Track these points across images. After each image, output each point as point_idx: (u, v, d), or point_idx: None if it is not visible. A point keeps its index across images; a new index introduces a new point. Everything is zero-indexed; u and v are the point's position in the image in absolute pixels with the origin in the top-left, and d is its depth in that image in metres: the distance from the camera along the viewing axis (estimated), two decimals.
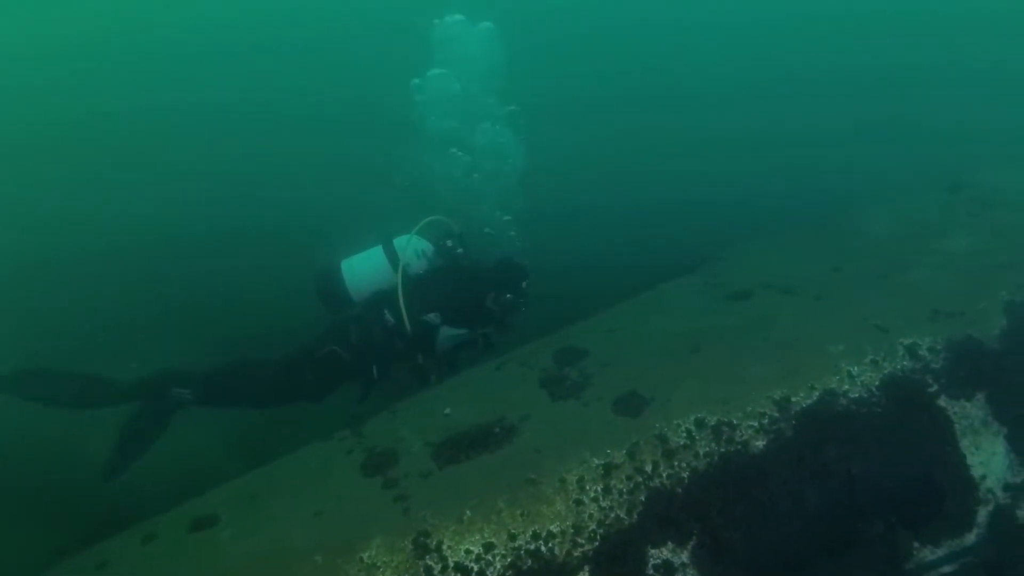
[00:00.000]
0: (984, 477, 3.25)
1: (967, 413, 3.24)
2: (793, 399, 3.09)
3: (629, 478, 2.87)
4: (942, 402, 3.21)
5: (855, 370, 3.18)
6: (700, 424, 3.01)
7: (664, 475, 2.89)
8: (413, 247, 4.75)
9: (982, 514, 3.22)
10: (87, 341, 7.19)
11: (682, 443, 2.96)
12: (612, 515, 2.79)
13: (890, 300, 3.47)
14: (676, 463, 2.92)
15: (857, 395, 3.14)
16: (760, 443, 2.99)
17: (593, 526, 2.76)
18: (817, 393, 3.11)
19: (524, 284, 4.90)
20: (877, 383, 3.17)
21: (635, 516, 2.80)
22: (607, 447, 2.94)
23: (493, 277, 4.91)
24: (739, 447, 2.97)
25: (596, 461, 2.90)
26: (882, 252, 3.89)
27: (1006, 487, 3.29)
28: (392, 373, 4.71)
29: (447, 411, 3.43)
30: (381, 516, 2.81)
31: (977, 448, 3.24)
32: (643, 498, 2.84)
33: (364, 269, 4.79)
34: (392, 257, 4.72)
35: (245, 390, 4.78)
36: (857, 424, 3.08)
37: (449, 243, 4.82)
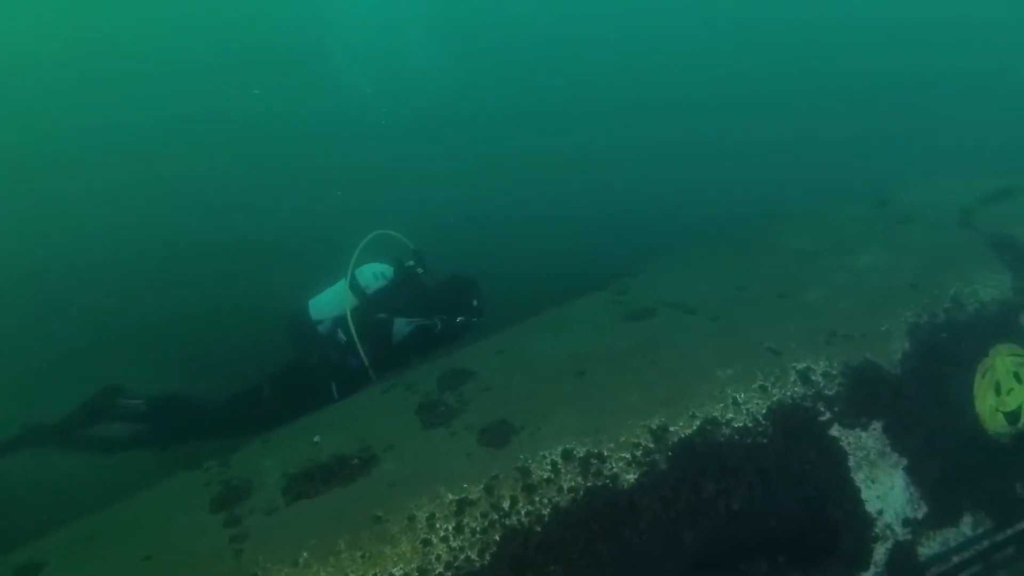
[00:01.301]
0: (881, 512, 3.03)
1: (862, 443, 3.03)
2: (671, 428, 2.87)
3: (484, 515, 2.64)
4: (835, 431, 3.00)
5: (741, 396, 2.97)
6: (567, 456, 2.79)
7: (522, 512, 2.66)
8: (371, 269, 4.92)
9: (880, 551, 3.01)
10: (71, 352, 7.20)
11: (545, 477, 2.74)
12: (462, 556, 2.56)
13: (788, 321, 3.26)
14: (537, 499, 2.69)
15: (742, 424, 2.92)
16: (631, 477, 2.77)
17: (440, 568, 2.53)
18: (698, 422, 2.90)
19: (475, 302, 4.89)
20: (764, 411, 2.96)
21: (487, 557, 2.58)
22: (464, 481, 2.72)
23: (443, 297, 4.92)
24: (607, 481, 2.75)
25: (450, 496, 2.68)
26: (788, 269, 3.69)
27: (905, 522, 3.08)
28: (352, 391, 4.66)
29: (316, 439, 3.21)
30: (211, 559, 2.58)
31: (873, 481, 3.03)
32: (497, 537, 2.61)
33: (327, 300, 5.01)
34: (354, 284, 4.87)
35: (197, 414, 4.84)
36: (739, 455, 2.86)
37: (409, 263, 4.94)
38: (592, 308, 3.85)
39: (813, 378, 3.05)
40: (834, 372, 3.07)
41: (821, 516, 2.94)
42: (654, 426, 2.87)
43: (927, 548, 3.14)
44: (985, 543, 3.24)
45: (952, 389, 3.22)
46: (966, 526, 3.24)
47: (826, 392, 3.03)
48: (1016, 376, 3.37)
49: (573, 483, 2.73)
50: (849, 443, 3.01)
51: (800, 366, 3.07)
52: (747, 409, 2.95)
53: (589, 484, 2.74)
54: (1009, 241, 3.59)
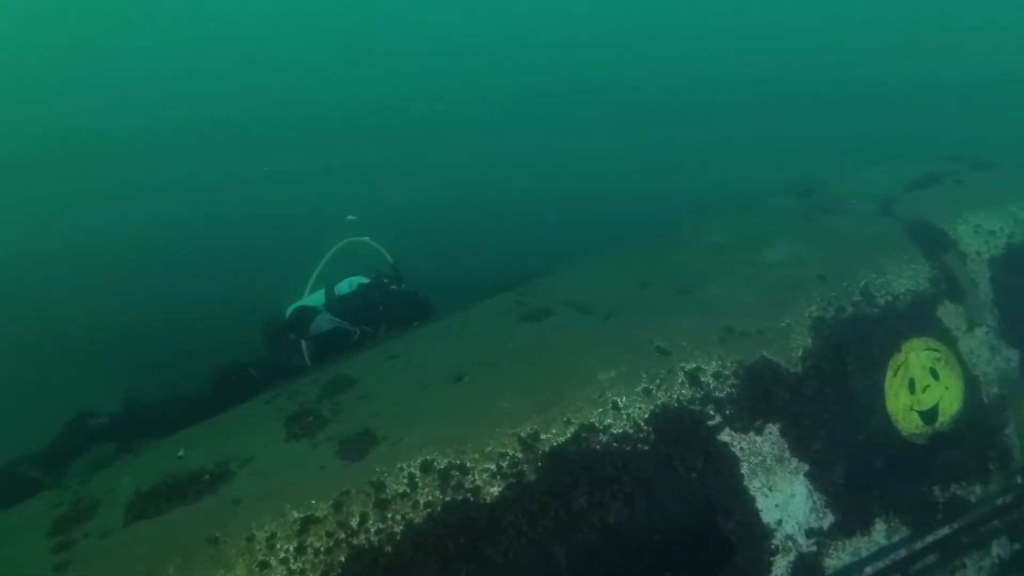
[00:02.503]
0: (781, 522, 2.80)
1: (757, 449, 2.80)
2: (543, 436, 2.65)
3: (330, 534, 2.43)
4: (725, 436, 2.77)
5: (622, 400, 2.75)
6: (427, 468, 2.57)
7: (372, 530, 2.45)
8: (349, 282, 5.01)
9: (781, 565, 2.78)
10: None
11: (401, 491, 2.52)
12: None
13: (682, 318, 3.03)
14: (389, 515, 2.48)
15: (621, 430, 2.70)
16: (495, 490, 2.55)
17: None
18: (573, 428, 2.68)
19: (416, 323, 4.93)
20: (647, 415, 2.73)
21: None
22: (312, 497, 2.51)
23: (395, 309, 4.94)
24: (468, 495, 2.53)
25: (295, 514, 2.47)
26: (696, 264, 3.46)
27: (809, 532, 2.85)
28: None
29: (180, 453, 3.01)
30: None
31: (771, 489, 2.80)
32: (343, 558, 2.40)
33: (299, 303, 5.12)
34: (330, 292, 5.03)
35: (161, 419, 4.80)
36: (616, 464, 2.63)
37: (385, 280, 5.04)
38: (493, 310, 3.63)
39: (703, 379, 2.82)
40: (726, 372, 2.85)
41: (711, 529, 2.71)
42: (524, 434, 2.65)
43: (835, 559, 2.91)
44: (902, 552, 3.00)
45: (860, 388, 2.99)
46: (879, 534, 3.01)
47: (716, 394, 2.80)
48: (932, 372, 3.14)
49: (430, 497, 2.52)
50: (742, 448, 2.78)
51: (689, 366, 2.85)
52: (628, 414, 2.73)
53: (447, 498, 2.52)
54: (928, 228, 3.37)
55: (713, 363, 2.86)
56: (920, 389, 3.10)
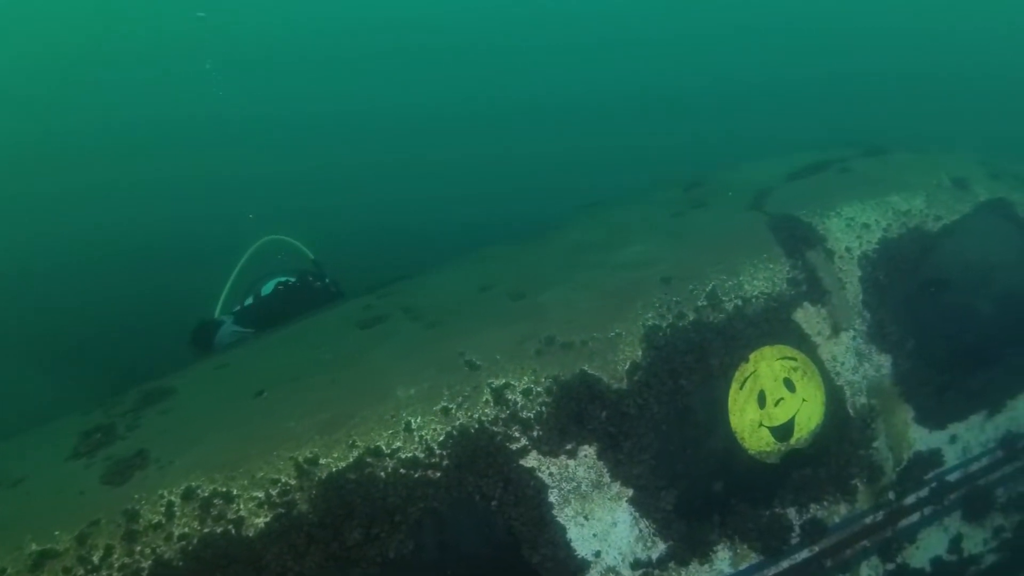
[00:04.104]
0: (599, 554, 2.55)
1: (570, 474, 2.54)
2: (322, 461, 2.41)
3: (67, 570, 2.22)
4: (531, 460, 2.51)
5: (417, 421, 2.49)
6: (189, 495, 2.34)
7: (116, 565, 2.23)
8: (275, 282, 4.83)
9: None
10: None
11: (155, 521, 2.30)
12: None
13: (505, 328, 2.76)
14: (138, 549, 2.26)
15: (411, 455, 2.45)
16: (260, 521, 2.32)
17: None
18: (357, 452, 2.43)
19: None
20: (442, 438, 2.48)
21: None
22: (57, 527, 2.29)
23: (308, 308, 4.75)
24: (229, 527, 2.30)
25: (33, 547, 2.25)
26: (545, 265, 3.18)
27: (635, 564, 2.60)
28: None
29: None
30: None
31: (587, 518, 2.54)
32: None
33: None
34: (257, 294, 4.84)
35: None
36: (400, 494, 2.39)
37: (310, 279, 4.86)
38: (339, 316, 3.38)
39: (510, 397, 2.55)
40: (538, 389, 2.58)
41: (514, 563, 2.46)
42: (302, 458, 2.41)
43: None
44: None
45: (696, 403, 2.71)
46: (723, 562, 2.74)
47: (523, 414, 2.54)
48: (787, 383, 2.84)
49: (186, 529, 2.29)
50: (551, 474, 2.52)
51: (498, 383, 2.58)
52: (421, 436, 2.47)
53: (206, 530, 2.29)
54: (793, 223, 3.04)
55: (525, 379, 2.59)
56: (772, 403, 2.81)
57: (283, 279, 4.94)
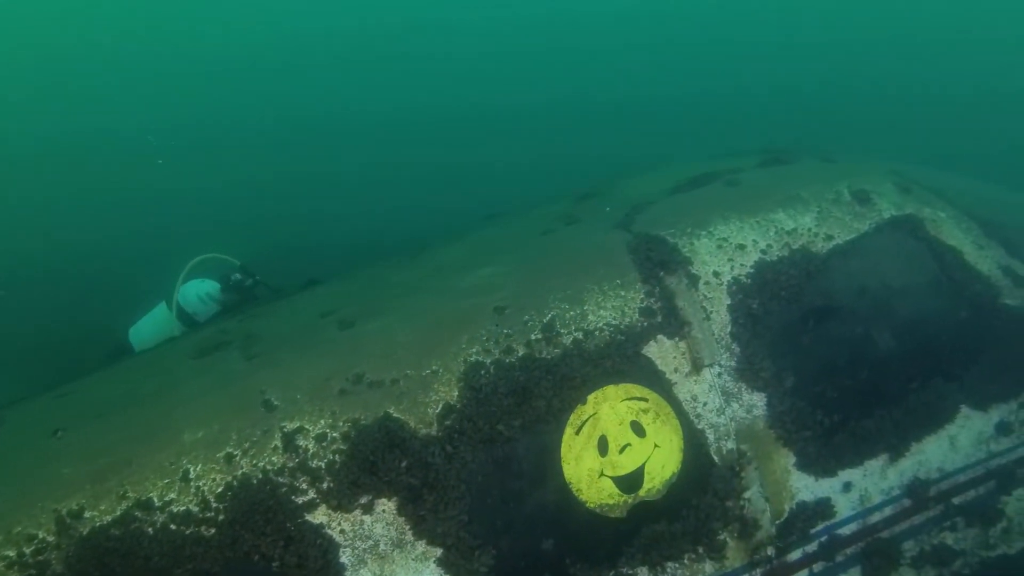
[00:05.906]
0: None
1: (366, 531, 2.28)
2: (87, 514, 2.21)
3: None
4: (320, 516, 2.26)
5: (196, 470, 2.27)
6: None
7: None
8: (195, 291, 4.75)
9: None
10: None
11: None
12: None
13: (313, 362, 2.51)
14: None
15: (184, 508, 2.22)
16: None
17: None
18: (126, 505, 2.22)
19: None
20: (220, 489, 2.25)
21: None
22: None
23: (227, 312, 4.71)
24: None
25: None
26: (392, 289, 2.91)
27: None
28: None
29: None
30: None
31: None
32: None
33: (150, 329, 4.86)
34: (178, 310, 4.72)
35: None
36: (169, 553, 2.17)
37: (236, 276, 4.75)
38: (188, 341, 3.19)
39: (301, 443, 2.31)
40: (334, 434, 2.33)
41: None
42: (66, 511, 2.22)
43: None
44: None
45: (518, 452, 2.42)
46: None
47: (314, 463, 2.29)
48: (635, 427, 2.52)
49: None
50: (343, 531, 2.26)
51: (291, 426, 2.34)
52: (198, 487, 2.25)
53: None
54: (656, 244, 2.71)
55: (322, 422, 2.35)
56: (615, 449, 2.50)
57: (207, 283, 4.81)
